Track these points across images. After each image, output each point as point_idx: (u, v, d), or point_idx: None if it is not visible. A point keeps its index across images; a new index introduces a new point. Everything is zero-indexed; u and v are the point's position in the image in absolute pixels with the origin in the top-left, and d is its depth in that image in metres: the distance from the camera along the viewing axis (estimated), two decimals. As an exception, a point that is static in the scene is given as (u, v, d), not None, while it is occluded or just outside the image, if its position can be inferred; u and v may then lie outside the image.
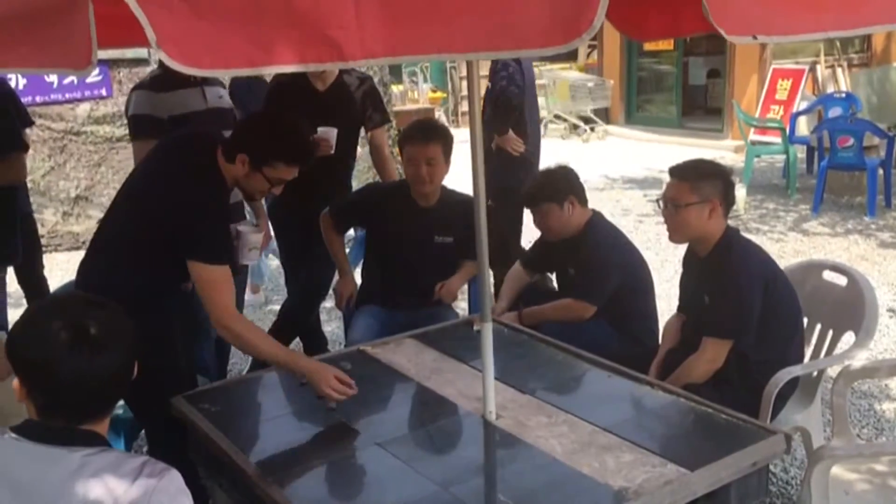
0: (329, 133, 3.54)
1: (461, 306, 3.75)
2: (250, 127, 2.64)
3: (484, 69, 4.41)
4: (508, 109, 4.57)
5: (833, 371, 3.01)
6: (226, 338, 2.48)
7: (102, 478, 1.42)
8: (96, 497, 1.41)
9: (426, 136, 3.29)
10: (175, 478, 1.48)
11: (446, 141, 3.31)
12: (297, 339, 4.24)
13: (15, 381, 1.50)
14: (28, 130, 4.26)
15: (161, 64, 3.52)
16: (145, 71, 6.44)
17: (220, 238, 2.48)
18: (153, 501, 1.43)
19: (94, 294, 1.59)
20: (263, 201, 3.83)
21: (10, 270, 4.26)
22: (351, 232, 4.09)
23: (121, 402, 2.86)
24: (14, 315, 5.20)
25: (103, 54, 1.45)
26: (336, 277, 3.66)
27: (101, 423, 1.54)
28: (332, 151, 3.58)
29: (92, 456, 1.45)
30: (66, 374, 1.45)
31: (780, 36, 1.76)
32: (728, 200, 2.79)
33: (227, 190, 2.59)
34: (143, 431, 2.99)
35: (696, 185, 2.75)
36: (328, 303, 4.41)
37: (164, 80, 3.41)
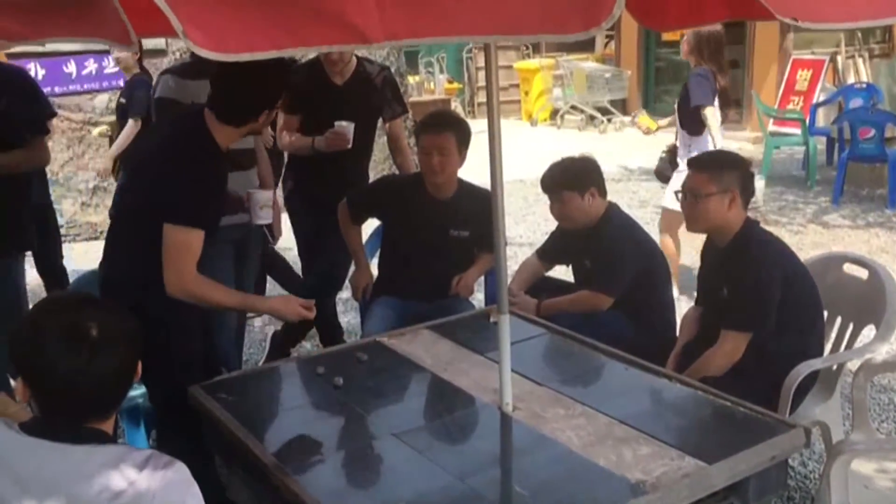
0: (347, 128, 3.54)
1: (477, 297, 3.74)
2: (251, 88, 2.49)
3: (502, 59, 4.38)
4: None
5: (853, 365, 2.98)
6: (185, 299, 2.42)
7: (108, 470, 1.42)
8: (101, 489, 1.40)
9: (439, 125, 3.28)
10: (182, 468, 1.48)
11: (461, 131, 3.28)
12: (314, 329, 4.25)
13: (18, 382, 1.51)
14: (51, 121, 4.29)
15: (193, 53, 3.53)
16: (163, 62, 6.48)
17: (201, 201, 2.43)
18: (162, 493, 1.43)
19: (116, 284, 1.60)
20: (280, 191, 3.84)
21: (30, 260, 4.30)
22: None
23: (142, 391, 2.88)
24: (32, 302, 5.25)
25: (123, 46, 1.48)
26: (352, 269, 3.67)
27: (106, 422, 1.53)
28: (349, 146, 3.57)
29: (97, 449, 1.46)
30: (66, 375, 1.45)
31: (819, 23, 1.74)
32: (747, 191, 2.77)
33: (218, 153, 2.52)
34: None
35: (715, 176, 2.74)
36: (344, 293, 4.41)
37: (194, 68, 3.40)
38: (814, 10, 1.65)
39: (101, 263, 2.61)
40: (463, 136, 3.29)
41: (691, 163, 2.83)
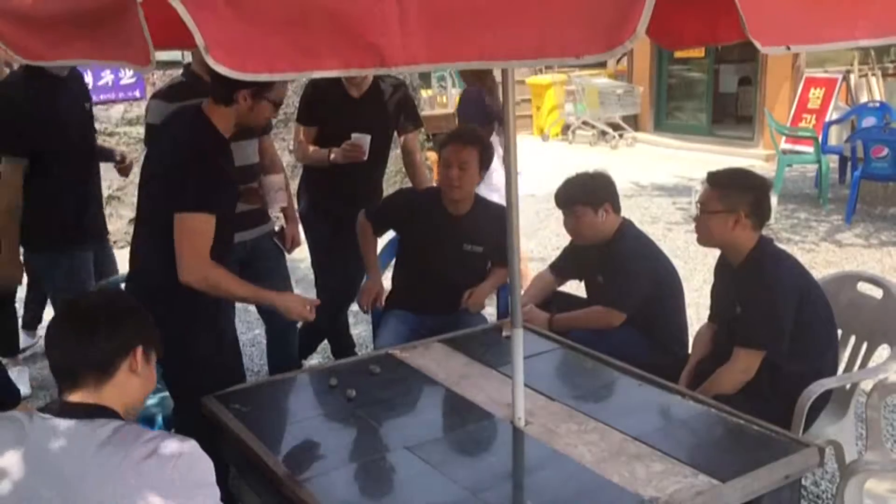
0: (363, 140, 3.57)
1: (489, 311, 3.75)
2: None
3: (518, 74, 4.40)
4: None
5: (867, 384, 2.97)
6: (199, 286, 2.45)
7: (127, 445, 1.55)
8: (120, 461, 1.52)
9: (464, 139, 3.33)
10: (196, 444, 1.61)
11: (483, 149, 3.33)
12: (325, 341, 4.27)
13: None
14: None
15: (185, 72, 3.57)
16: (178, 73, 6.53)
17: (207, 184, 2.47)
18: (180, 464, 1.55)
19: (139, 287, 1.73)
20: (295, 202, 3.86)
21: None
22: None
23: (156, 400, 2.91)
24: (49, 311, 5.28)
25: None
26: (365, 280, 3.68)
27: (105, 386, 1.66)
28: (365, 158, 3.60)
29: (115, 426, 1.59)
30: (57, 351, 1.68)
31: (814, 45, 1.74)
32: (760, 213, 2.75)
33: (220, 139, 2.57)
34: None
35: (724, 194, 2.74)
36: (356, 306, 4.42)
37: (182, 89, 3.45)
38: (808, 34, 1.64)
39: (130, 274, 2.73)
40: (486, 156, 3.34)
41: (708, 176, 2.83)
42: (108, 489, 1.50)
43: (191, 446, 1.60)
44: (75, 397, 1.64)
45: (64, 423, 1.59)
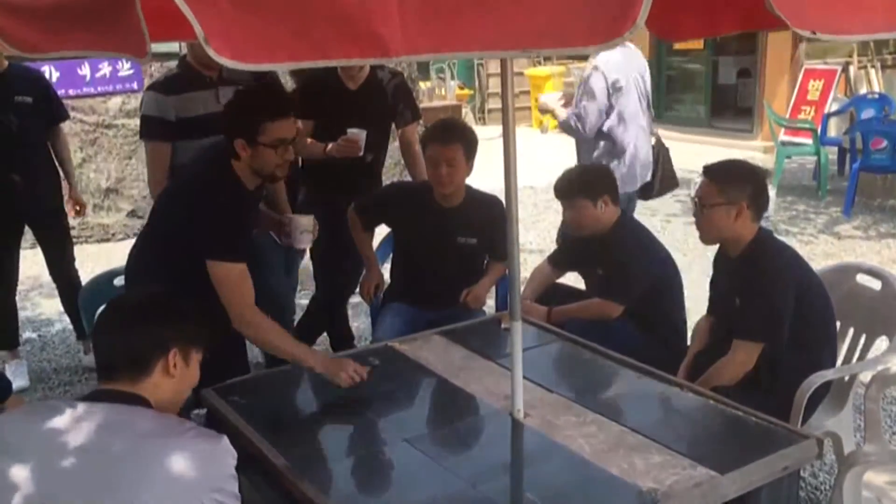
0: (359, 135, 3.55)
1: (488, 303, 3.75)
2: (228, 113, 2.70)
3: (517, 66, 4.38)
4: None
5: (865, 376, 2.97)
6: (246, 334, 2.57)
7: (166, 437, 1.60)
8: (160, 448, 1.57)
9: (447, 136, 3.25)
10: (226, 440, 1.67)
11: (467, 141, 3.27)
12: (324, 333, 4.26)
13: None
14: (62, 124, 4.33)
15: (180, 63, 3.55)
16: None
17: (234, 235, 2.54)
18: (216, 455, 1.62)
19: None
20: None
21: (43, 263, 4.33)
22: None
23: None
24: (47, 305, 5.28)
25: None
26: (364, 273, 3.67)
27: (142, 381, 1.70)
28: (361, 153, 3.59)
29: (152, 414, 1.66)
30: (107, 341, 1.72)
31: (836, 35, 1.74)
32: (758, 204, 2.75)
33: (242, 189, 2.64)
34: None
35: (723, 187, 2.73)
36: (355, 298, 4.41)
37: (177, 81, 3.44)
38: (832, 23, 1.65)
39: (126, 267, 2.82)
40: (470, 147, 3.27)
41: (705, 170, 2.82)
42: (149, 472, 1.53)
43: (225, 440, 1.67)
44: (107, 386, 1.69)
45: (100, 405, 1.64)
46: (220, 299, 2.49)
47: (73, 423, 1.58)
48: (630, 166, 4.35)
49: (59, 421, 1.59)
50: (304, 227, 3.08)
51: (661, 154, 4.67)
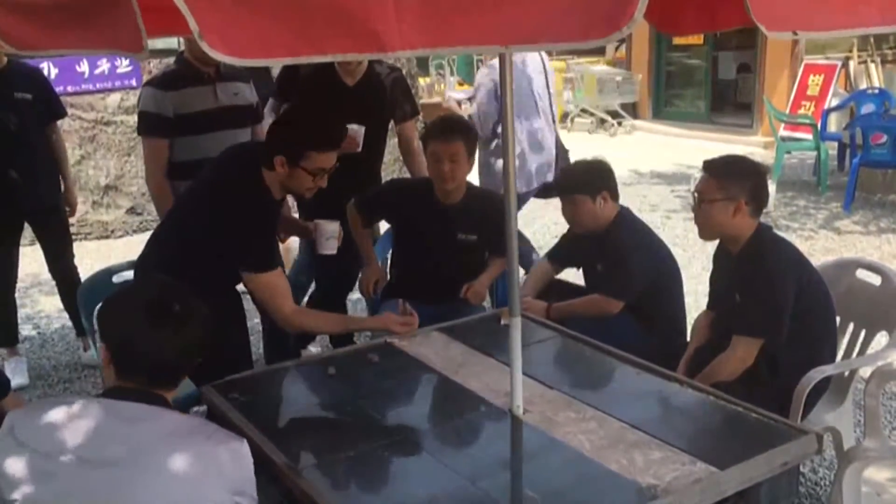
0: (357, 132, 3.54)
1: (486, 299, 3.76)
2: (276, 128, 2.73)
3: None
4: None
5: (865, 372, 2.97)
6: (294, 330, 2.79)
7: (193, 437, 1.61)
8: (186, 446, 1.57)
9: (448, 133, 3.26)
10: (247, 443, 1.69)
11: (469, 138, 3.28)
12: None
13: (102, 347, 1.70)
14: (60, 122, 4.33)
15: (178, 59, 3.55)
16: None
17: (267, 246, 2.66)
18: (240, 458, 1.63)
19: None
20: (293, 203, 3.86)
21: (42, 260, 4.33)
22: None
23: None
24: (47, 302, 5.28)
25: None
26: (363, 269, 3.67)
27: (170, 391, 1.71)
28: (359, 150, 3.58)
29: (179, 416, 1.66)
30: (152, 344, 1.64)
31: (820, 31, 1.73)
32: (758, 200, 2.74)
33: (272, 200, 2.70)
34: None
35: (722, 183, 2.72)
36: (354, 294, 4.42)
37: (175, 77, 3.43)
38: (814, 20, 1.62)
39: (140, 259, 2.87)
40: (471, 143, 3.29)
41: (705, 165, 2.82)
42: (175, 470, 1.53)
43: (246, 443, 1.69)
44: (128, 384, 1.67)
45: (124, 403, 1.63)
46: (264, 307, 2.69)
47: (100, 420, 1.58)
48: (520, 167, 4.39)
49: (83, 419, 1.58)
50: (330, 234, 3.11)
51: (559, 156, 4.74)
